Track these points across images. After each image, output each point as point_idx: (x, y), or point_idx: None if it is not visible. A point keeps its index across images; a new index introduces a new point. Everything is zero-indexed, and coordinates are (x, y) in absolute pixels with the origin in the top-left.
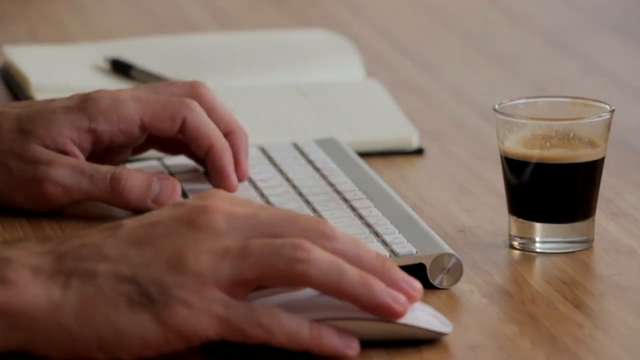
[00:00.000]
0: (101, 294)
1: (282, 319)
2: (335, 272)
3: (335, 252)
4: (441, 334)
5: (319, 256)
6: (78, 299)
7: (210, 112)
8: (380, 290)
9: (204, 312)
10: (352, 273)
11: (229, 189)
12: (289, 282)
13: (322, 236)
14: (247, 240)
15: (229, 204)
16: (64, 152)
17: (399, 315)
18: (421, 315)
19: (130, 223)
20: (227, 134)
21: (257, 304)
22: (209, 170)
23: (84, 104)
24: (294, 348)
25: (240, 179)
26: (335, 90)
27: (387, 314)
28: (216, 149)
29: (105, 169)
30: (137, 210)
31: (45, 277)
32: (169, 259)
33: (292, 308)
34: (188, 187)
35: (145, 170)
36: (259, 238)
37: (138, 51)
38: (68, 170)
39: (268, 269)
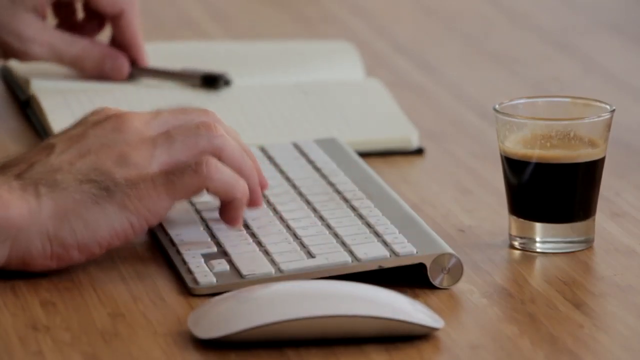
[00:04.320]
0: (69, 196)
1: (214, 166)
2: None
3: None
4: (434, 329)
5: (225, 132)
6: (51, 204)
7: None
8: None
9: (152, 188)
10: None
11: (142, 59)
12: (211, 154)
13: (215, 119)
14: (165, 130)
15: (131, 112)
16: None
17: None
18: (414, 313)
19: (60, 142)
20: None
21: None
22: (117, 41)
23: None
24: (227, 196)
25: None
26: (335, 90)
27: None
28: (126, 14)
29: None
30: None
31: (18, 190)
32: (113, 159)
33: (289, 302)
34: None
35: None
36: (171, 128)
37: None
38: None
39: (193, 147)
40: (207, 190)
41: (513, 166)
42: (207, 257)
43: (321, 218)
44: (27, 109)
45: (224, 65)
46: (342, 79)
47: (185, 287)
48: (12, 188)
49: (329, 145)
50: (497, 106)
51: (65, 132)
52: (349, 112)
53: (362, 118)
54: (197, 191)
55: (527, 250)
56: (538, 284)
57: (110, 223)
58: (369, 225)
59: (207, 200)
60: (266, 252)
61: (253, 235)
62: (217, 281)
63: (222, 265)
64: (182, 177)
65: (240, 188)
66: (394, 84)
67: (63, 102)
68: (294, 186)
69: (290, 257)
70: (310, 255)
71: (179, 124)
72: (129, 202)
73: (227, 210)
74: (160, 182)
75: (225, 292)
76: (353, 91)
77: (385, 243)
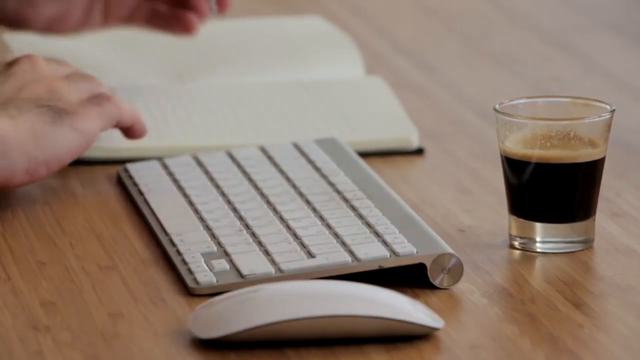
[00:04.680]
0: (36, 116)
1: (119, 98)
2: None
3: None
4: (434, 329)
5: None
6: (26, 123)
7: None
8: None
9: (87, 113)
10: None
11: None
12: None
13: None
14: (61, 73)
15: (30, 54)
16: None
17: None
18: (414, 313)
19: None
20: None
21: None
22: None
23: None
24: (134, 120)
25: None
26: (336, 88)
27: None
28: None
29: None
30: None
31: None
32: (45, 92)
33: (289, 302)
34: (188, 185)
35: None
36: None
37: (138, 42)
38: None
39: (91, 89)
40: (120, 119)
41: (513, 166)
42: (207, 257)
43: (321, 218)
44: None
45: (224, 63)
46: (342, 76)
47: (185, 287)
48: None
49: (329, 145)
50: (497, 106)
51: None
52: (349, 111)
53: (363, 117)
54: (115, 119)
55: (527, 250)
56: (538, 284)
57: (67, 143)
58: (369, 225)
59: (205, 200)
60: (266, 252)
61: (253, 235)
62: (217, 281)
63: (222, 265)
64: (104, 106)
65: (137, 112)
66: (394, 84)
67: None
68: (294, 186)
69: (290, 257)
70: (310, 255)
71: (66, 70)
72: (76, 124)
73: (135, 131)
74: (92, 110)
75: (225, 292)
76: (354, 89)
77: (385, 243)
